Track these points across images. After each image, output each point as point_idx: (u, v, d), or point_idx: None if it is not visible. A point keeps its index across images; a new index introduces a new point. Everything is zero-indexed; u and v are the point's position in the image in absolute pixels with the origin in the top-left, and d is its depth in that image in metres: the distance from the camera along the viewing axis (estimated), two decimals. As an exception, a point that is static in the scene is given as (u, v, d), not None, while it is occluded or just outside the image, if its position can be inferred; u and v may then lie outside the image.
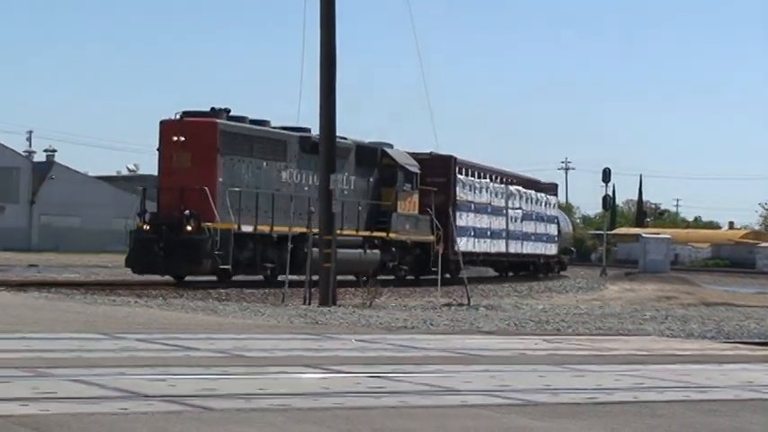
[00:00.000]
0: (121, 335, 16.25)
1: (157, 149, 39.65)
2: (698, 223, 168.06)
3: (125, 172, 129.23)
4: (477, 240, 53.42)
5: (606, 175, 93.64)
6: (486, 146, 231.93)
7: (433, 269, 48.58)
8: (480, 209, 54.98)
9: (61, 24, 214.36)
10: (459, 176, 52.98)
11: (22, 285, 33.68)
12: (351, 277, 44.27)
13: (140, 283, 38.08)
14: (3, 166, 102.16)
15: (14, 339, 15.09)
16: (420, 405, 10.09)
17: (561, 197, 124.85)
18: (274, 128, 42.73)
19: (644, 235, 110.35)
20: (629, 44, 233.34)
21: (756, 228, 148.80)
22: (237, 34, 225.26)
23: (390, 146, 49.07)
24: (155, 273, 37.41)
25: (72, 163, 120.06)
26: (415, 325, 22.56)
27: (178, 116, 38.90)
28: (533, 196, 65.24)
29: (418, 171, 48.83)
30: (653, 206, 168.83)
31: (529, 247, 62.72)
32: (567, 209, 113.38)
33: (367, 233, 45.08)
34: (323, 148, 33.91)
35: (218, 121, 38.73)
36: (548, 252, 67.32)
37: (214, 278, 39.03)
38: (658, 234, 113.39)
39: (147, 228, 38.26)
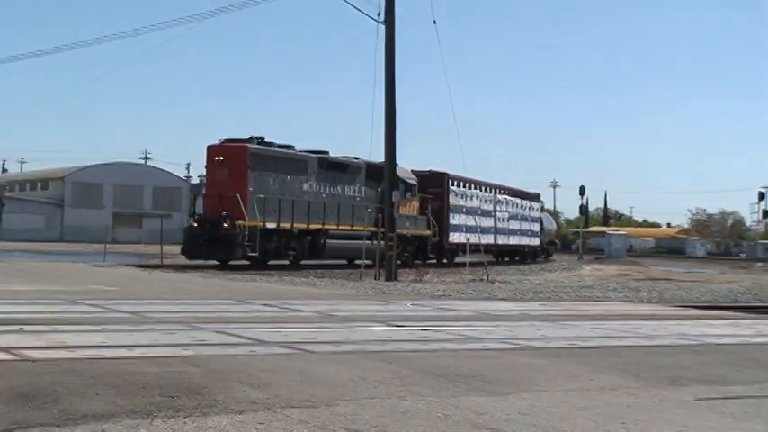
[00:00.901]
0: (250, 301, 16.30)
1: (205, 166, 38.82)
2: (646, 224, 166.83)
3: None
4: (468, 235, 52.51)
5: (582, 191, 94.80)
6: (500, 166, 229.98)
7: (430, 255, 49.07)
8: (471, 211, 53.15)
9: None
10: (451, 187, 51.79)
11: (184, 267, 33.78)
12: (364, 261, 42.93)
13: (257, 267, 37.70)
14: (171, 186, 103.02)
15: (177, 304, 15.18)
16: (454, 349, 10.06)
17: (550, 206, 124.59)
18: (298, 151, 41.19)
19: (608, 232, 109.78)
20: (600, 91, 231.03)
21: (685, 226, 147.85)
22: (318, 91, 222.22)
23: (396, 164, 47.26)
24: (202, 259, 36.29)
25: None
26: (450, 294, 22.47)
27: (219, 141, 38.08)
28: (519, 202, 63.63)
29: (416, 183, 47.18)
30: (614, 212, 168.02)
31: (515, 240, 61.10)
32: (555, 214, 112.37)
33: (374, 229, 41.86)
34: (387, 175, 33.47)
35: (248, 145, 37.49)
36: (531, 243, 65.94)
37: (247, 262, 37.34)
38: (618, 231, 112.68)
39: (196, 225, 37.35)
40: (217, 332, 10.59)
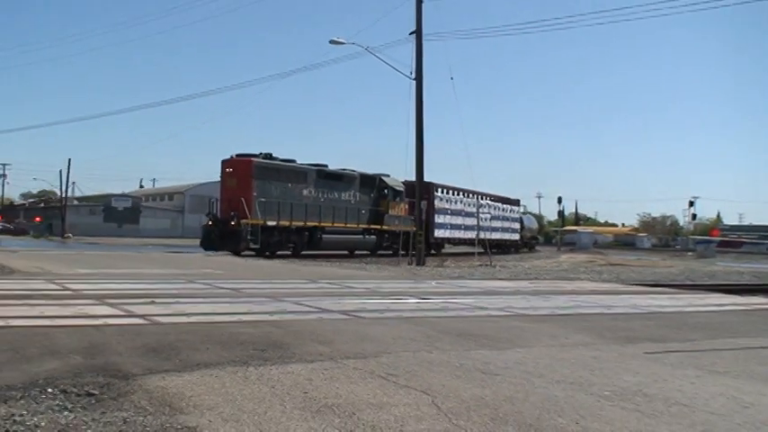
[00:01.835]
0: (318, 281, 16.32)
1: (220, 176, 36.52)
2: (607, 224, 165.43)
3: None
4: (452, 231, 51.25)
5: (559, 200, 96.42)
6: (500, 180, 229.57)
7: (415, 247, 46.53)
8: (455, 212, 51.49)
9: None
10: (436, 193, 49.19)
11: (269, 257, 33.58)
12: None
13: (313, 255, 37.47)
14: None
15: (265, 282, 15.22)
16: (466, 316, 10.01)
17: (536, 210, 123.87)
18: (299, 164, 38.71)
19: (579, 230, 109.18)
20: (577, 126, 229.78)
21: (636, 226, 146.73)
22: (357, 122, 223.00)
23: (387, 175, 44.88)
24: (215, 250, 33.68)
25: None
26: (463, 275, 22.37)
27: (230, 156, 36.25)
28: (500, 206, 61.28)
29: (403, 190, 44.35)
30: (584, 215, 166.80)
31: (497, 235, 58.15)
32: (539, 217, 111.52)
33: (366, 226, 41.80)
34: (417, 185, 33.31)
35: (253, 159, 35.64)
36: (512, 238, 63.58)
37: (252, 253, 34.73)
38: (586, 229, 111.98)
39: (210, 224, 35.42)
40: (294, 303, 10.61)
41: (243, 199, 34.02)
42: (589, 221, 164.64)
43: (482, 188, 61.41)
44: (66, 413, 4.34)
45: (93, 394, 4.74)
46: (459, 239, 52.57)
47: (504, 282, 19.14)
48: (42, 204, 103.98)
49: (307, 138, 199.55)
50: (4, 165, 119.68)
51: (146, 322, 7.96)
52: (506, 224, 62.67)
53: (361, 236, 41.60)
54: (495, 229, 57.70)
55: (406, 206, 44.90)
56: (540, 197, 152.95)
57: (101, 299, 10.13)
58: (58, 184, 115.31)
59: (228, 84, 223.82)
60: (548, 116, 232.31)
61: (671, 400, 5.24)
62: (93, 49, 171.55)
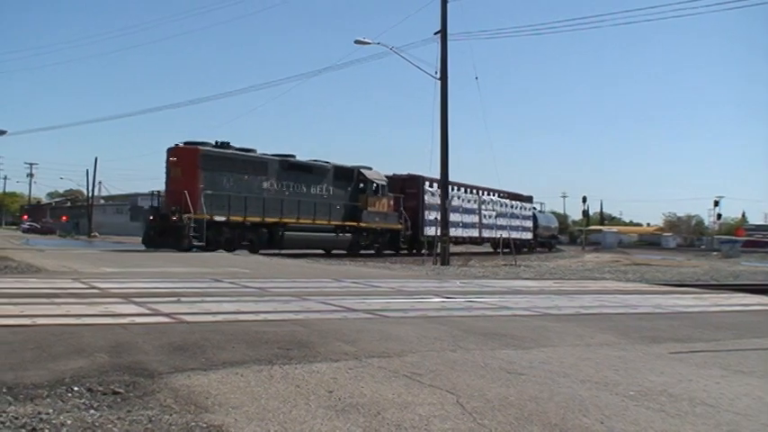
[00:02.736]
0: (342, 279, 16.32)
1: (165, 166, 32.82)
2: (632, 223, 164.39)
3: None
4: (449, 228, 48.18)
5: (584, 199, 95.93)
6: (525, 180, 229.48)
7: (402, 246, 43.17)
8: (452, 209, 46.24)
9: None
10: (426, 188, 45.18)
11: (295, 256, 33.42)
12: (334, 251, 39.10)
13: (351, 256, 37.44)
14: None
15: (290, 281, 15.24)
16: (491, 315, 9.95)
17: (560, 210, 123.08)
18: (259, 154, 34.92)
19: (604, 230, 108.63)
20: (603, 125, 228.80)
21: (661, 225, 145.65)
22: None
23: (369, 168, 40.79)
24: (155, 248, 30.65)
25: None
26: (488, 275, 22.28)
27: (175, 144, 33.00)
28: (508, 203, 56.54)
29: (385, 184, 41.10)
30: (609, 214, 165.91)
31: (504, 234, 50.05)
32: (564, 216, 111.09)
33: (339, 223, 37.92)
34: (441, 184, 32.98)
35: (200, 147, 32.50)
36: (523, 237, 58.23)
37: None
38: (611, 229, 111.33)
39: (152, 219, 32.46)
40: (318, 302, 10.60)
41: (186, 191, 31.20)
42: (614, 221, 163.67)
43: (506, 187, 58.88)
44: (92, 411, 4.35)
45: (118, 393, 4.76)
46: (457, 238, 48.18)
47: (529, 281, 19.03)
48: (69, 204, 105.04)
49: (328, 137, 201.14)
50: (31, 164, 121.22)
51: (172, 321, 7.98)
52: (516, 222, 58.26)
53: (332, 233, 38.10)
54: (501, 227, 52.93)
55: (391, 201, 41.98)
56: (564, 197, 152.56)
57: (127, 297, 10.18)
58: (85, 183, 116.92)
59: (253, 83, 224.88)
60: (574, 116, 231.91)
61: (696, 400, 5.18)
62: (120, 49, 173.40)
